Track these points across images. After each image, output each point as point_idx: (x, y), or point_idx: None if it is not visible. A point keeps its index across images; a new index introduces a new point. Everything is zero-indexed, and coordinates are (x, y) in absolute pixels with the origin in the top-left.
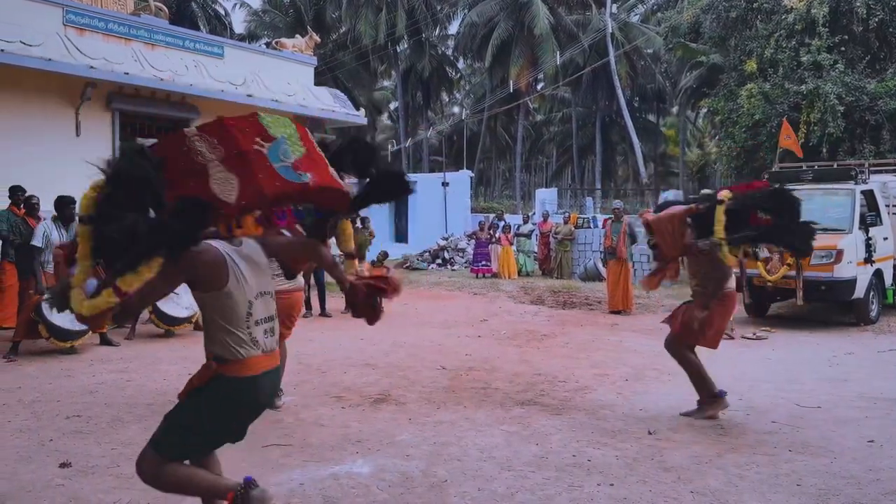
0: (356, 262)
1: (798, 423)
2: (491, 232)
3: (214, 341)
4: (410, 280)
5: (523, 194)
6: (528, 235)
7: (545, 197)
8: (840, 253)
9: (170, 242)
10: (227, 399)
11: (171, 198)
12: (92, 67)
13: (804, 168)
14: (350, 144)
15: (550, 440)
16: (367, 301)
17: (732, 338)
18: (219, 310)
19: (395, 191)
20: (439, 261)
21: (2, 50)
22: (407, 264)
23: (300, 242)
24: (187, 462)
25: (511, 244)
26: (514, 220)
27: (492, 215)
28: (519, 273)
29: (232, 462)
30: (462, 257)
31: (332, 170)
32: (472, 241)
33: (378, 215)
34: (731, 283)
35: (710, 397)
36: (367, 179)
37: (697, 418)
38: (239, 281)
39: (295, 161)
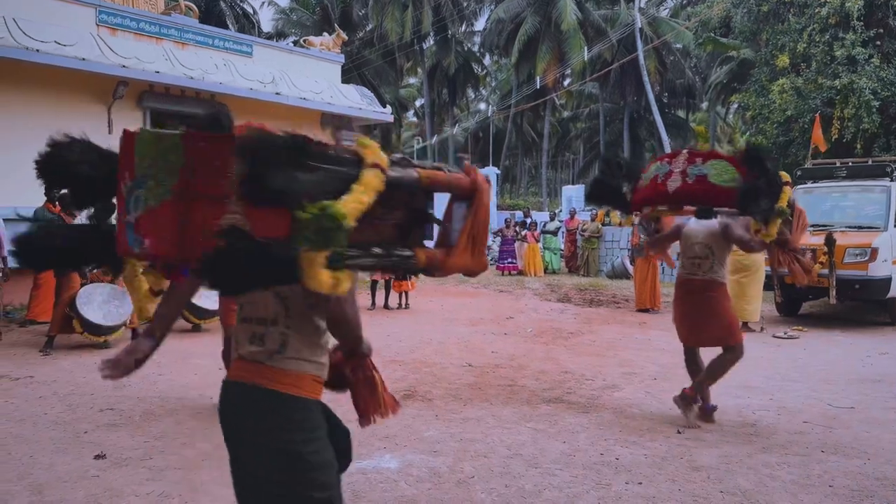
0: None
1: (830, 424)
2: (517, 229)
3: None
4: (436, 277)
5: (550, 191)
6: (555, 233)
7: (572, 194)
8: (875, 251)
9: None
10: None
11: None
12: (124, 66)
13: (838, 164)
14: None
15: (578, 438)
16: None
17: (753, 330)
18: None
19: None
20: None
21: (37, 50)
22: None
23: None
24: None
25: (537, 241)
26: (540, 217)
27: (518, 212)
28: (545, 271)
29: None
30: (488, 254)
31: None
32: (498, 239)
33: None
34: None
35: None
36: None
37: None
38: None
39: (139, 216)
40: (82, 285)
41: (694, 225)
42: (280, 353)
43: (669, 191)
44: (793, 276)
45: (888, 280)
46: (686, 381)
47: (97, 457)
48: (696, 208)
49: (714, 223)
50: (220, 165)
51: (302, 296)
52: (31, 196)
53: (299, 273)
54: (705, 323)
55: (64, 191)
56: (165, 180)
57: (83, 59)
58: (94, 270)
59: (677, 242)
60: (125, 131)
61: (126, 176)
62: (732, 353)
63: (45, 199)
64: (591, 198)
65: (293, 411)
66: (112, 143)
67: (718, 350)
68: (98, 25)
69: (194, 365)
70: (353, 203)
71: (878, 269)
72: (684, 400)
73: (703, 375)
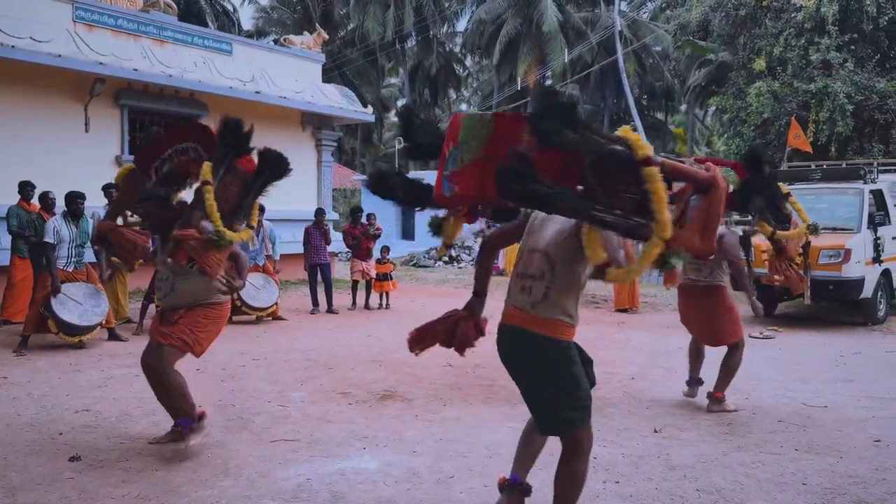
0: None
1: (804, 423)
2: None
3: None
4: (417, 278)
5: None
6: None
7: None
8: (848, 252)
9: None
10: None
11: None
12: (101, 63)
13: (813, 167)
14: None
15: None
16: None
17: None
18: None
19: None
20: (446, 258)
21: (12, 46)
22: (414, 262)
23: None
24: None
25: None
26: None
27: None
28: None
29: (239, 456)
30: (469, 255)
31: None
32: (479, 239)
33: (385, 213)
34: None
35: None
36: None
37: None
38: (527, 232)
39: (453, 171)
40: (54, 287)
41: None
42: (542, 302)
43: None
44: (789, 283)
45: (861, 281)
46: (661, 381)
47: (72, 458)
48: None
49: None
50: (517, 135)
51: (567, 256)
52: (5, 194)
53: (563, 211)
54: (711, 325)
55: (46, 191)
56: (474, 145)
57: (59, 55)
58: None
59: None
60: (457, 114)
61: (450, 143)
62: (737, 349)
63: (18, 197)
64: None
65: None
66: (89, 141)
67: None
68: (75, 22)
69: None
70: (661, 203)
71: (851, 271)
72: (716, 402)
73: (721, 375)
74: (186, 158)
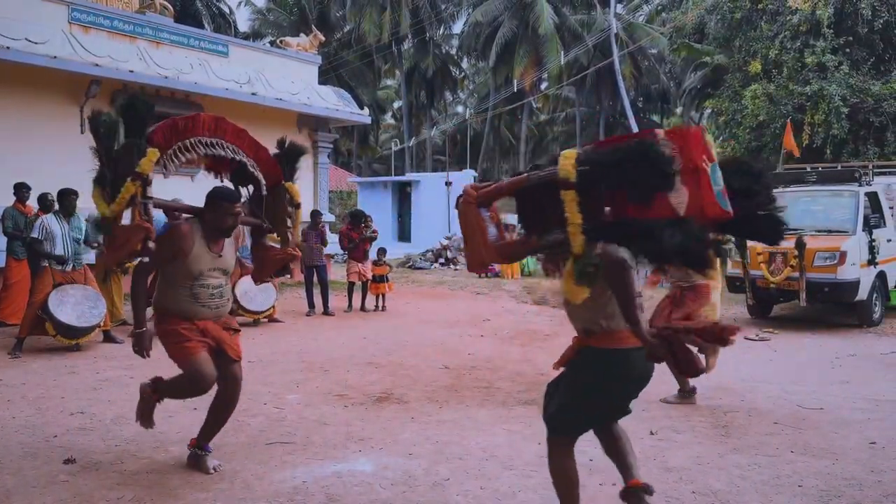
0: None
1: (800, 425)
2: None
3: (580, 315)
4: (413, 280)
5: None
6: None
7: None
8: (843, 255)
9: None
10: (596, 371)
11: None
12: (97, 65)
13: (808, 169)
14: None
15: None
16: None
17: None
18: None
19: (765, 233)
20: (442, 260)
21: (7, 47)
22: (409, 264)
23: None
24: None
25: None
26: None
27: None
28: (522, 273)
29: (235, 458)
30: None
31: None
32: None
33: (381, 214)
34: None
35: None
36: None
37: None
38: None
39: (721, 189)
40: (55, 287)
41: None
42: None
43: None
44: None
45: (856, 283)
46: (656, 383)
47: (67, 461)
48: None
49: None
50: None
51: None
52: (0, 195)
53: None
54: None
55: (45, 192)
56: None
57: (55, 57)
58: (70, 269)
59: None
60: (696, 128)
61: (701, 157)
62: None
63: (14, 198)
64: None
65: None
66: (85, 142)
67: None
68: (70, 23)
69: (166, 368)
70: None
71: (846, 273)
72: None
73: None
74: (214, 155)
